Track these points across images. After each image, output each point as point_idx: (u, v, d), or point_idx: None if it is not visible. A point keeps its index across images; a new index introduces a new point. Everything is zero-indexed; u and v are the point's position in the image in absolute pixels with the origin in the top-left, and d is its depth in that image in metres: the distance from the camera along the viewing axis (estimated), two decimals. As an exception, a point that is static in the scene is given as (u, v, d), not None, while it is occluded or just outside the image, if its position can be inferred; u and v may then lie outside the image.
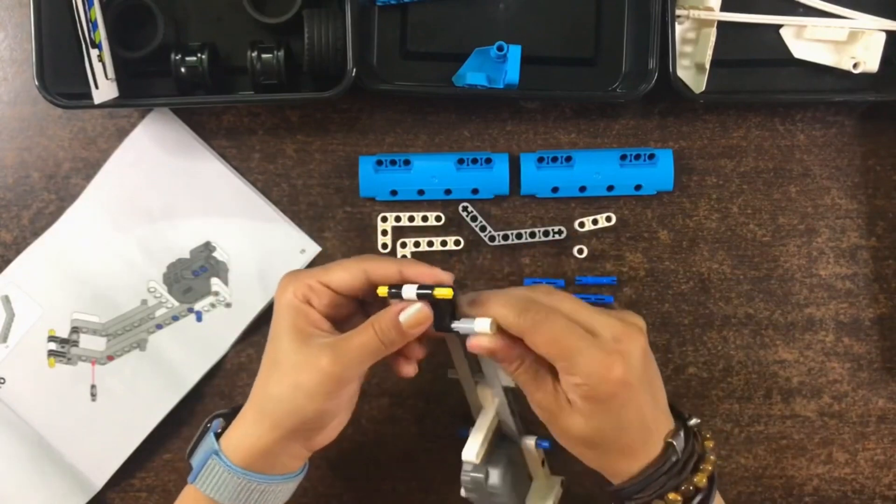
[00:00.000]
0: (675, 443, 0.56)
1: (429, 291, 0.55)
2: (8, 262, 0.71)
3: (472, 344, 0.56)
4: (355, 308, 0.60)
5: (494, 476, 0.62)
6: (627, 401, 0.54)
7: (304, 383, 0.55)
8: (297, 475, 0.60)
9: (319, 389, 0.55)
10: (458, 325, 0.56)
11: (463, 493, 0.63)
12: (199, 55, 0.66)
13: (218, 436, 0.58)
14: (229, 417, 0.59)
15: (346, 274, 0.57)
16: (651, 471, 0.56)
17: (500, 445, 0.64)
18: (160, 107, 0.71)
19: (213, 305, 0.71)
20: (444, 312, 0.56)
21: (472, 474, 0.62)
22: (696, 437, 0.58)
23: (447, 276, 0.57)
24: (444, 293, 0.54)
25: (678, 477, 0.56)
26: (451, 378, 0.65)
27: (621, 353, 0.54)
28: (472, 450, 0.61)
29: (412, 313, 0.55)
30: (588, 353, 0.53)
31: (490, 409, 0.63)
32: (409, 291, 0.55)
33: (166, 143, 0.71)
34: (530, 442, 0.64)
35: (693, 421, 0.59)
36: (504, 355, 0.56)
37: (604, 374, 0.53)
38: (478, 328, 0.55)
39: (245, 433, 0.57)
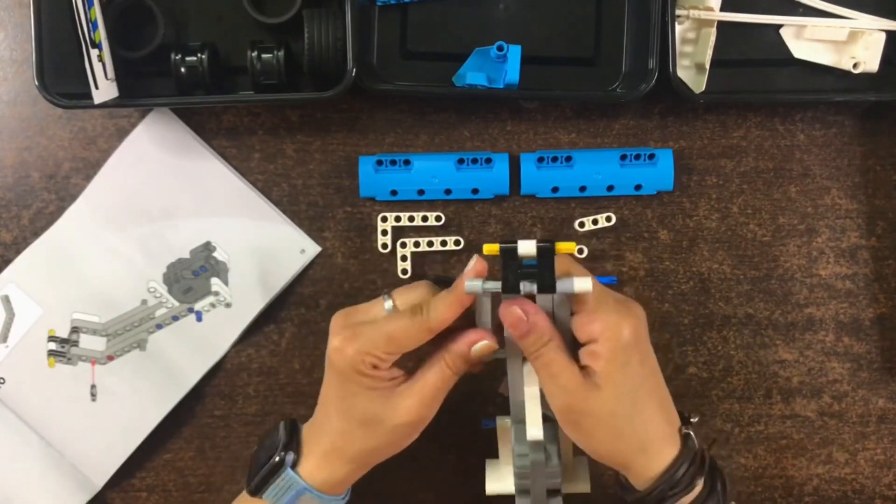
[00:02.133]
0: (690, 432, 0.58)
1: (550, 245, 0.53)
2: (8, 262, 0.71)
3: (511, 311, 0.54)
4: None
5: (555, 455, 0.58)
6: (644, 361, 0.56)
7: (402, 432, 0.59)
8: (349, 491, 0.63)
9: (411, 432, 0.59)
10: (561, 285, 0.54)
11: (494, 490, 0.62)
12: (199, 55, 0.66)
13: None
14: (293, 447, 0.60)
15: (412, 336, 0.57)
16: (679, 464, 0.56)
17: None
18: (160, 107, 0.71)
19: (213, 305, 0.71)
20: (548, 274, 0.54)
21: (533, 456, 0.57)
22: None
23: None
24: (568, 247, 0.54)
25: (700, 470, 0.57)
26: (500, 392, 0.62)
27: (630, 308, 0.57)
28: (537, 427, 0.56)
29: (482, 347, 0.57)
30: (610, 302, 0.56)
31: (535, 384, 0.59)
32: (526, 247, 0.53)
33: (166, 143, 0.71)
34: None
35: (694, 419, 0.60)
36: (538, 325, 0.55)
37: (620, 322, 0.55)
38: (578, 286, 0.53)
39: (335, 474, 0.60)
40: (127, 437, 0.71)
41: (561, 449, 0.61)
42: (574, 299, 0.56)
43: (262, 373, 0.73)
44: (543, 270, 0.54)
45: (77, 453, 0.71)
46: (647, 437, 0.57)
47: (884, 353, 0.74)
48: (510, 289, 0.54)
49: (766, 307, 0.74)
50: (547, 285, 0.53)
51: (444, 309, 0.57)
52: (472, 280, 0.55)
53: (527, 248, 0.53)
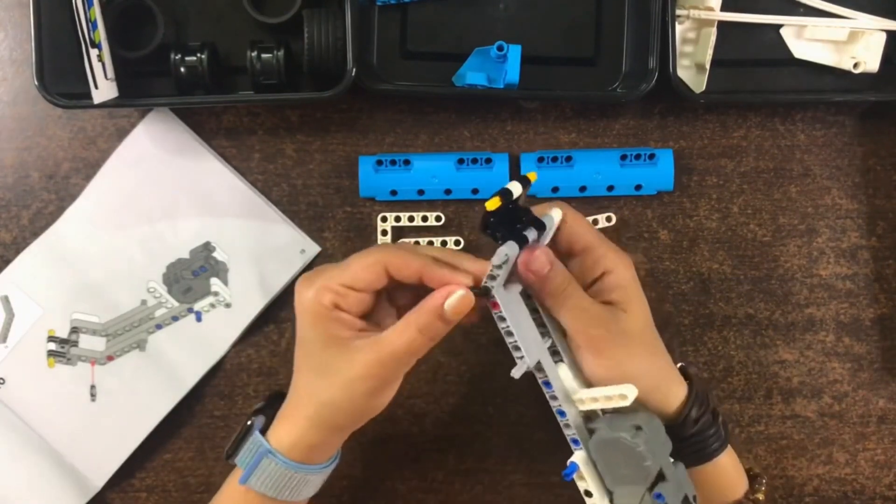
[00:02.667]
0: (692, 370, 0.61)
1: (523, 177, 0.54)
2: (8, 262, 0.71)
3: (534, 258, 0.54)
4: (379, 297, 0.59)
5: (643, 417, 0.55)
6: (646, 297, 0.59)
7: (357, 387, 0.55)
8: (334, 460, 0.61)
9: (372, 390, 0.56)
10: (545, 217, 0.55)
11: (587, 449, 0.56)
12: (198, 55, 0.66)
13: (261, 432, 0.58)
14: (267, 412, 0.60)
15: (368, 274, 0.56)
16: (695, 392, 0.59)
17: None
18: (160, 107, 0.71)
19: (212, 305, 0.71)
20: (517, 218, 0.53)
21: (640, 417, 0.55)
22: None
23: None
24: (531, 175, 0.54)
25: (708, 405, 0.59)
26: (518, 376, 0.57)
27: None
28: (626, 388, 0.54)
29: (455, 302, 0.54)
30: (609, 242, 0.59)
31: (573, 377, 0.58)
32: (514, 186, 0.53)
33: (166, 143, 0.71)
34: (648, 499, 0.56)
35: (689, 367, 0.62)
36: (558, 267, 0.56)
37: (624, 256, 0.59)
38: (555, 215, 0.56)
39: (299, 436, 0.57)
40: (127, 437, 0.71)
41: None
42: (568, 245, 0.58)
43: (262, 373, 0.73)
44: (522, 216, 0.53)
45: (77, 453, 0.71)
46: (666, 364, 0.59)
47: (884, 354, 0.74)
48: (521, 241, 0.53)
49: (766, 307, 0.74)
50: (539, 222, 0.54)
51: (411, 260, 0.55)
52: (491, 272, 0.53)
53: (515, 186, 0.53)
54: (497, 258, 0.53)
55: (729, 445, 0.61)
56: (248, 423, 0.59)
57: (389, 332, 0.55)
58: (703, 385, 0.60)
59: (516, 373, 0.55)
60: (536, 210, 0.57)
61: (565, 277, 0.56)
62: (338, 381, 0.55)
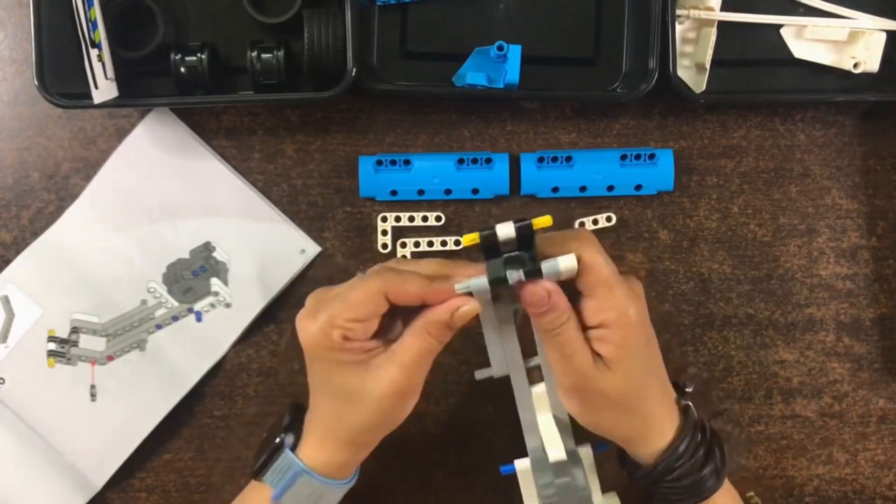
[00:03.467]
0: (689, 404, 0.59)
1: (527, 223, 0.52)
2: (7, 262, 0.71)
3: (535, 290, 0.54)
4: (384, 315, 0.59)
5: (580, 475, 0.58)
6: (649, 341, 0.57)
7: (387, 404, 0.57)
8: (357, 472, 0.63)
9: (400, 403, 0.57)
10: (547, 265, 0.53)
11: None
12: (198, 55, 0.66)
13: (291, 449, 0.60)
14: (293, 428, 0.60)
15: (369, 305, 0.56)
16: (682, 438, 0.57)
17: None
18: (160, 107, 0.70)
19: (212, 306, 0.71)
20: (527, 255, 0.53)
21: (558, 481, 0.57)
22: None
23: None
24: (544, 221, 0.52)
25: (703, 441, 0.58)
26: (479, 379, 0.61)
27: (634, 289, 0.57)
28: (557, 447, 0.56)
29: (465, 312, 0.55)
30: (620, 287, 0.55)
31: (547, 410, 0.59)
32: (505, 230, 0.52)
33: (166, 143, 0.71)
34: (587, 449, 0.60)
35: (689, 388, 0.61)
36: (559, 304, 0.55)
37: (629, 307, 0.55)
38: (563, 266, 0.53)
39: (332, 456, 0.59)
40: (127, 437, 0.71)
41: (589, 479, 0.60)
42: (579, 282, 0.55)
43: (262, 373, 0.73)
44: (525, 254, 0.53)
45: (77, 453, 0.70)
46: (652, 414, 0.58)
47: (884, 354, 0.74)
48: (496, 281, 0.53)
49: (766, 307, 0.74)
50: (533, 270, 0.53)
51: (409, 286, 0.56)
52: (461, 282, 0.55)
53: (505, 230, 0.52)
54: (460, 286, 0.54)
55: (727, 480, 0.60)
56: (277, 440, 0.60)
57: (402, 342, 0.56)
58: (696, 422, 0.59)
59: (478, 374, 0.60)
60: (559, 238, 0.55)
61: (559, 316, 0.55)
62: (367, 402, 0.57)
